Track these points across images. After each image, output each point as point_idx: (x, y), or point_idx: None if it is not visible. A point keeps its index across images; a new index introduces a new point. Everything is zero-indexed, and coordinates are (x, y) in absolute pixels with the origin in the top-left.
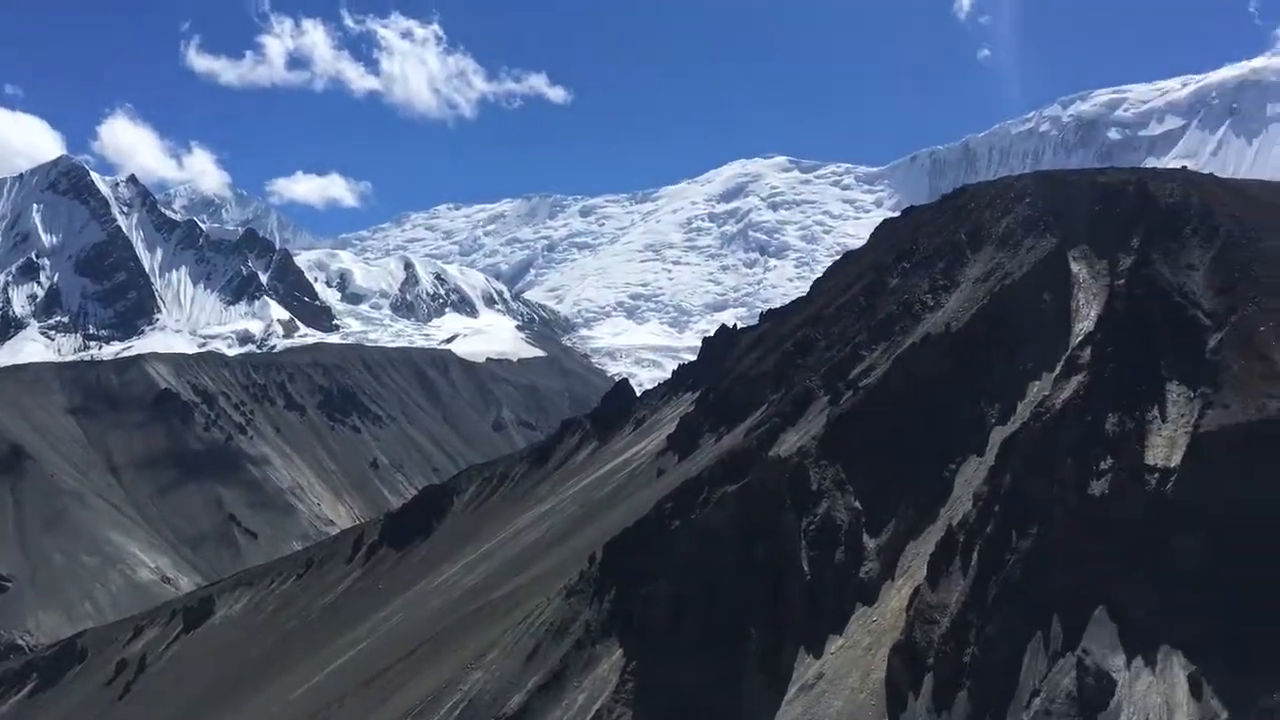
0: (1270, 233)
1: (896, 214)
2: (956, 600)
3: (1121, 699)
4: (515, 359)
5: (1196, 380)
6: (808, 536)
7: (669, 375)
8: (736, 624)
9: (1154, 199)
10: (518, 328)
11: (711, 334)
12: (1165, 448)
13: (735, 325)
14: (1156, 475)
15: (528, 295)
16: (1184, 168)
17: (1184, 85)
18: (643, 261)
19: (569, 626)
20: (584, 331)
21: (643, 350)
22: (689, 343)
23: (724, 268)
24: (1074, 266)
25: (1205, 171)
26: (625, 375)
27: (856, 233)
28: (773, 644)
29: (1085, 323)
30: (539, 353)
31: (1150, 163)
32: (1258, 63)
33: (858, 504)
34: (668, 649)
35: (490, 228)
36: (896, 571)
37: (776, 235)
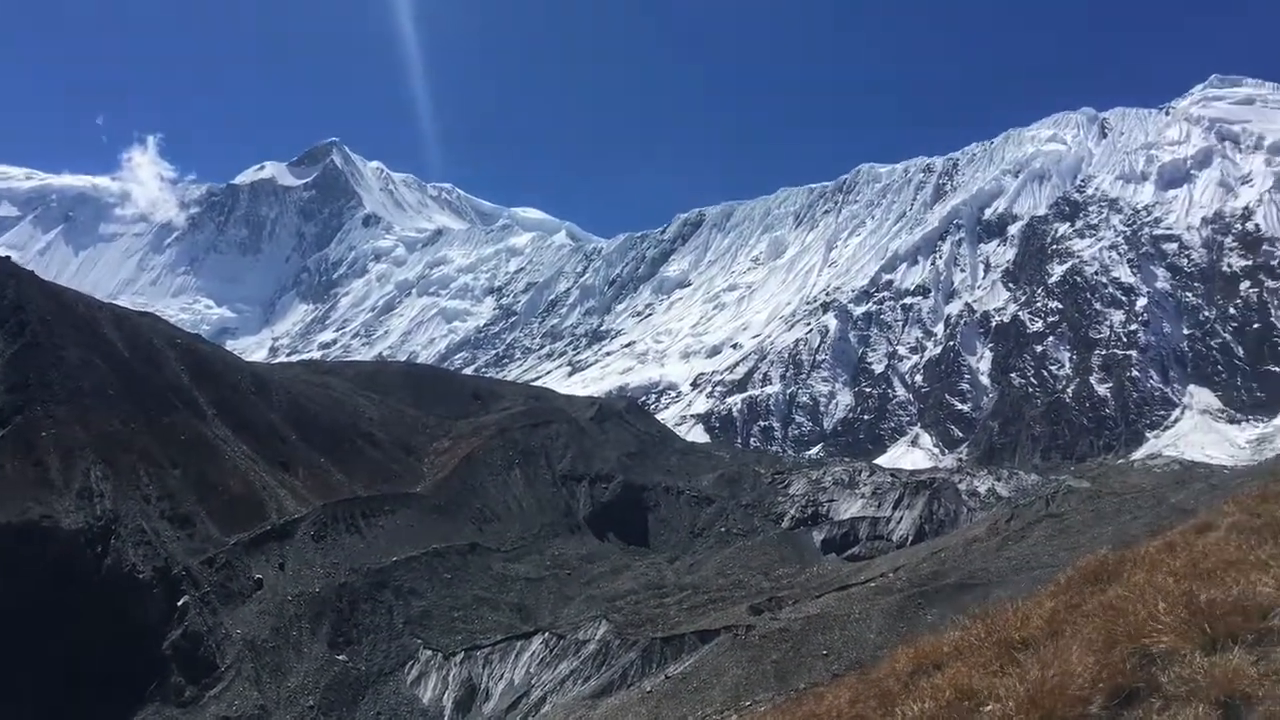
0: (74, 344)
1: None
2: None
3: None
4: None
5: None
6: None
7: None
8: None
9: None
10: None
11: None
12: None
13: None
14: None
15: None
16: (9, 258)
17: (29, 177)
18: None
19: None
20: None
21: None
22: None
23: None
24: None
25: (29, 268)
26: None
27: None
28: None
29: None
30: None
31: None
32: (100, 180)
33: None
34: None
35: None
36: None
37: None
